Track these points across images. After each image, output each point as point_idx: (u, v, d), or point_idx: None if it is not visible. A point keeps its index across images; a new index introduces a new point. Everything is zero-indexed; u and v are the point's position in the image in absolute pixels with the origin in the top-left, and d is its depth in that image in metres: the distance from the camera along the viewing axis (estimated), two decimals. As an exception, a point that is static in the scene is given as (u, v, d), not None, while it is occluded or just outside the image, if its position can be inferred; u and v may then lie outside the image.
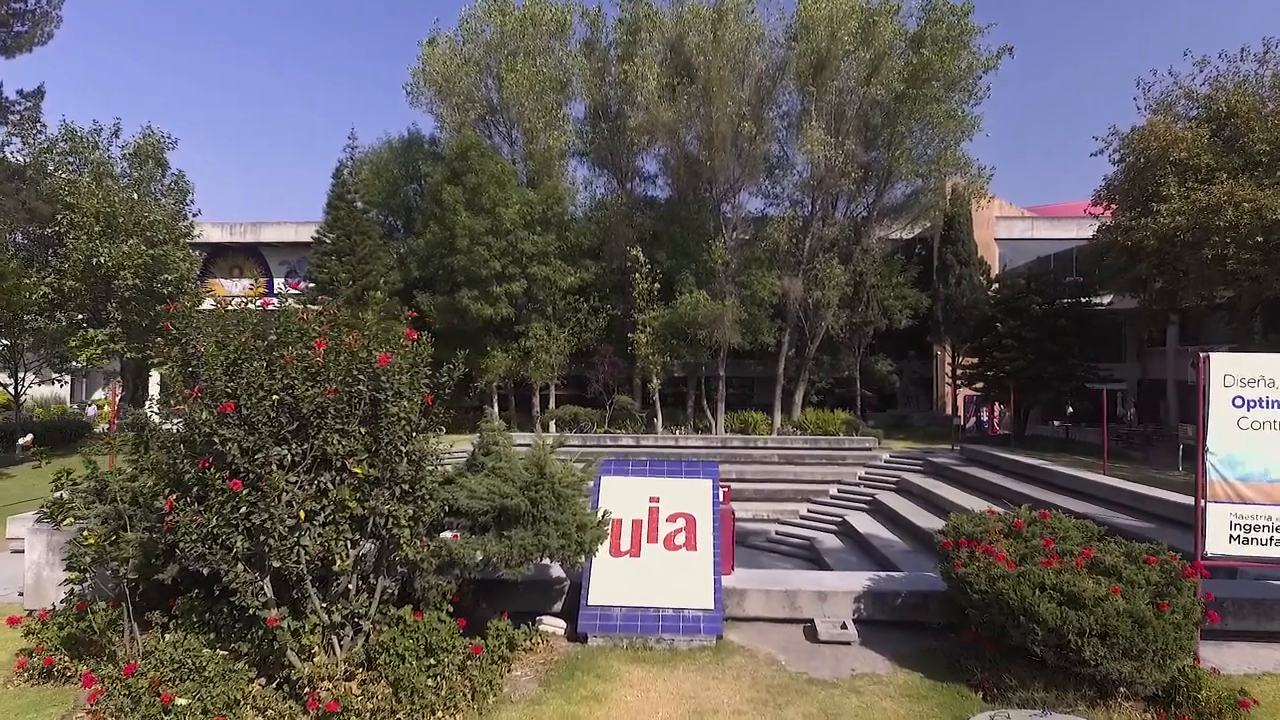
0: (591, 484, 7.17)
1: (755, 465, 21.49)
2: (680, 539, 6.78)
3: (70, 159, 18.74)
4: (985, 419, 31.82)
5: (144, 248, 17.64)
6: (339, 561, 4.69)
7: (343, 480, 4.79)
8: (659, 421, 26.98)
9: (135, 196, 19.53)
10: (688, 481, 7.24)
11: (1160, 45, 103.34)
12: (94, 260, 17.37)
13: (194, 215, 21.97)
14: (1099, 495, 13.37)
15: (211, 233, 37.80)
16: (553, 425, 27.18)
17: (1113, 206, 23.23)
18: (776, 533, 17.80)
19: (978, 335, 25.55)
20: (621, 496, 7.14)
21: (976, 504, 15.37)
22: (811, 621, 6.64)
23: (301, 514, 4.57)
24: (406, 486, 5.07)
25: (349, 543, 4.84)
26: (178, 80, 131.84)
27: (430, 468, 5.39)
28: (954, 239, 28.22)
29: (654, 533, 6.84)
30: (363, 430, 4.89)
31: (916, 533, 15.23)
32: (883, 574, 7.50)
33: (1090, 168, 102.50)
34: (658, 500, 7.05)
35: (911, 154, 26.69)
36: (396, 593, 5.28)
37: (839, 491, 19.60)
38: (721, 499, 7.32)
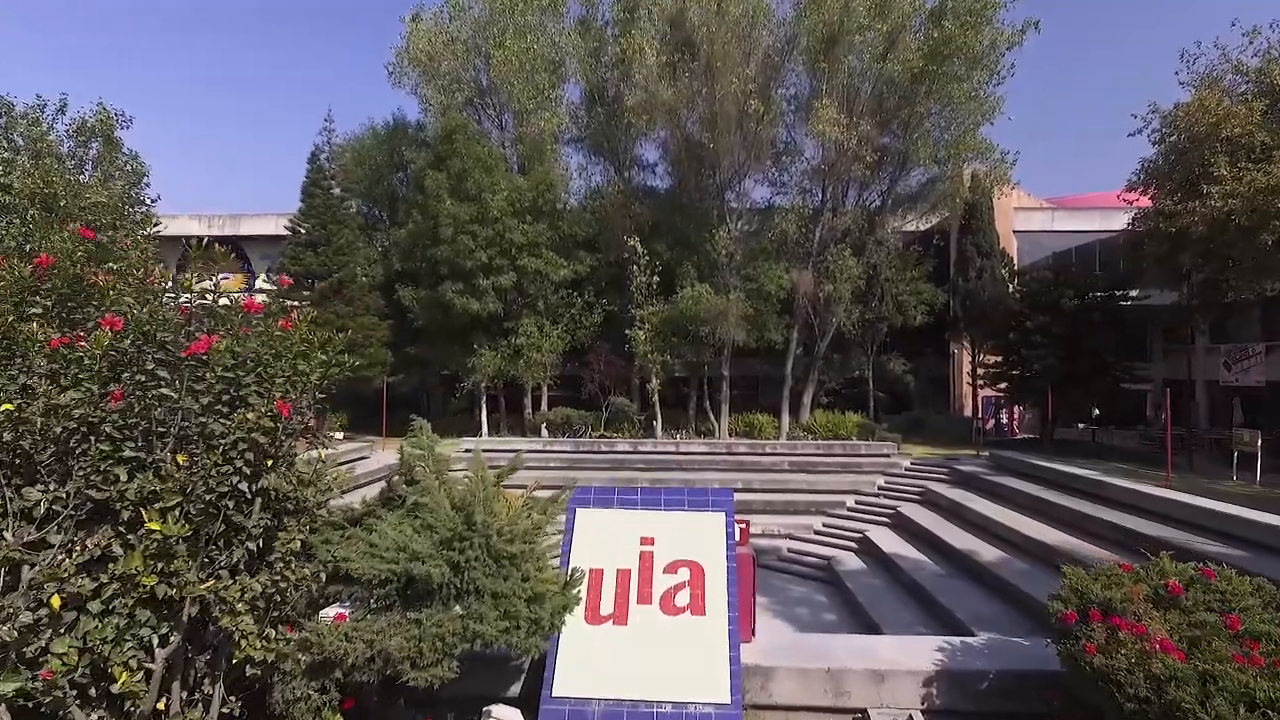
0: (565, 516, 5.35)
1: (764, 474, 19.66)
2: (683, 598, 4.94)
3: (7, 136, 16.93)
4: (1005, 421, 30.01)
5: (83, 232, 15.84)
6: (123, 677, 2.87)
7: (136, 542, 2.98)
8: (658, 425, 25.14)
9: (82, 179, 17.73)
10: (692, 515, 5.39)
11: (1184, 29, 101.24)
12: (28, 247, 15.54)
13: (151, 201, 20.12)
14: (1168, 514, 11.51)
15: (188, 225, 36.02)
16: (544, 429, 25.37)
17: (1150, 192, 21.46)
18: (789, 550, 15.97)
19: (1002, 332, 23.70)
20: (603, 537, 5.30)
21: (1017, 520, 13.55)
22: (865, 713, 4.81)
23: (55, 601, 2.75)
24: (255, 546, 3.26)
25: (152, 640, 3.02)
26: (161, 71, 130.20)
27: (305, 511, 3.55)
28: (974, 229, 26.33)
29: (646, 589, 4.99)
30: (180, 460, 3.07)
31: (949, 552, 13.40)
32: (956, 640, 5.66)
33: (1111, 158, 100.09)
34: (652, 542, 5.21)
35: (929, 137, 24.85)
36: (240, 710, 3.46)
37: (857, 503, 17.77)
38: (738, 537, 5.47)
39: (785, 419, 25.82)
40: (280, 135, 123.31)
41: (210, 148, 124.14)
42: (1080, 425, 27.68)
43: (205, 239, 6.23)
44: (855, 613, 12.33)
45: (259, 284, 36.80)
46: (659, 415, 25.18)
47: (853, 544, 15.62)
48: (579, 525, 5.36)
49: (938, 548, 13.83)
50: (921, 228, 28.97)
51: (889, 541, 14.91)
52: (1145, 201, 21.66)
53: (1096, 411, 24.93)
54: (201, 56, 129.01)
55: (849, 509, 17.55)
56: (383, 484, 4.72)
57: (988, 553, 12.64)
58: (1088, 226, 32.11)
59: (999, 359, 24.42)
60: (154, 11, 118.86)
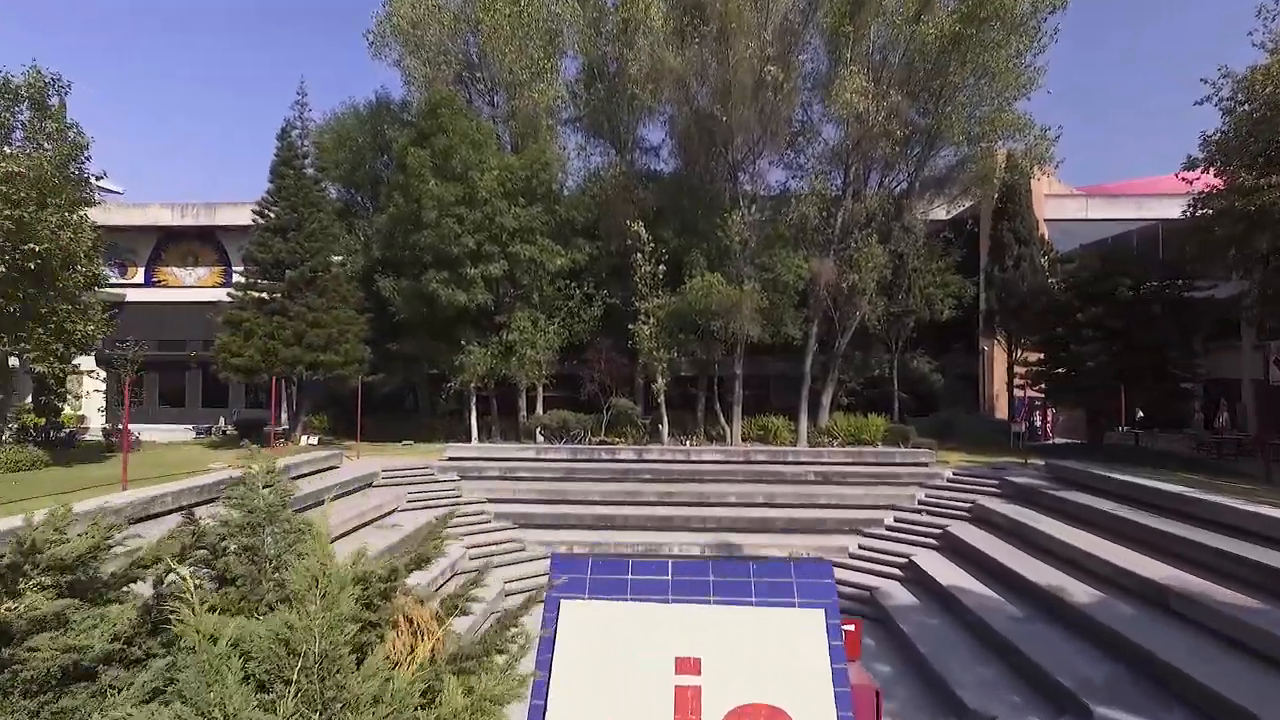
0: (543, 620, 3.08)
1: (786, 486, 17.36)
2: (760, 785, 2.63)
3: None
4: (1039, 424, 27.72)
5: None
6: None
7: None
8: (664, 429, 22.84)
9: (6, 149, 15.46)
10: (767, 615, 3.08)
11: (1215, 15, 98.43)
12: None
13: (95, 178, 17.85)
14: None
15: (160, 215, 33.82)
16: (539, 433, 23.05)
17: (1216, 169, 19.22)
18: (821, 578, 13.67)
19: (1046, 326, 21.45)
20: (608, 655, 2.97)
21: (1103, 547, 11.24)
22: None
23: None
24: None
25: None
26: (160, 69, 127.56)
27: None
28: (1011, 214, 24.05)
29: (691, 767, 2.67)
30: None
31: (1022, 587, 11.10)
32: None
33: (1142, 146, 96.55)
34: (697, 669, 2.91)
35: (963, 111, 22.57)
36: None
37: (896, 521, 15.47)
38: (843, 646, 3.16)
39: (804, 422, 23.51)
40: (248, 114, 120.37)
41: (204, 144, 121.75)
42: (1123, 429, 25.45)
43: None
44: (914, 663, 10.04)
45: (236, 277, 34.54)
46: (665, 418, 22.89)
47: (898, 571, 13.35)
48: (565, 632, 3.04)
49: (1006, 580, 11.54)
50: (950, 214, 26.76)
51: (942, 569, 12.62)
52: (1212, 180, 19.43)
53: (1140, 414, 22.69)
54: (201, 55, 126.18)
55: (888, 527, 15.26)
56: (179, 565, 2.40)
57: (1075, 589, 10.35)
58: (1124, 214, 29.85)
59: (1042, 355, 22.17)
60: (154, 11, 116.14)
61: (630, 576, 3.17)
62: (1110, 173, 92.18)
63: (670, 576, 3.16)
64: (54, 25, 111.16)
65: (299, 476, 14.95)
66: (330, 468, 16.59)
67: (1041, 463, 17.30)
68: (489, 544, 14.65)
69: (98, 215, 31.92)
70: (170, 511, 10.89)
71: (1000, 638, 9.70)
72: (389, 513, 14.66)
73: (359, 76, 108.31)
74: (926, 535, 14.50)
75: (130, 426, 25.75)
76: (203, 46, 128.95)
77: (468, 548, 14.09)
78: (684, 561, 3.22)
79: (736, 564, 3.20)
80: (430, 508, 15.65)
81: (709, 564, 3.22)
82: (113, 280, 34.75)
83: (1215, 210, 18.81)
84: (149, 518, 10.21)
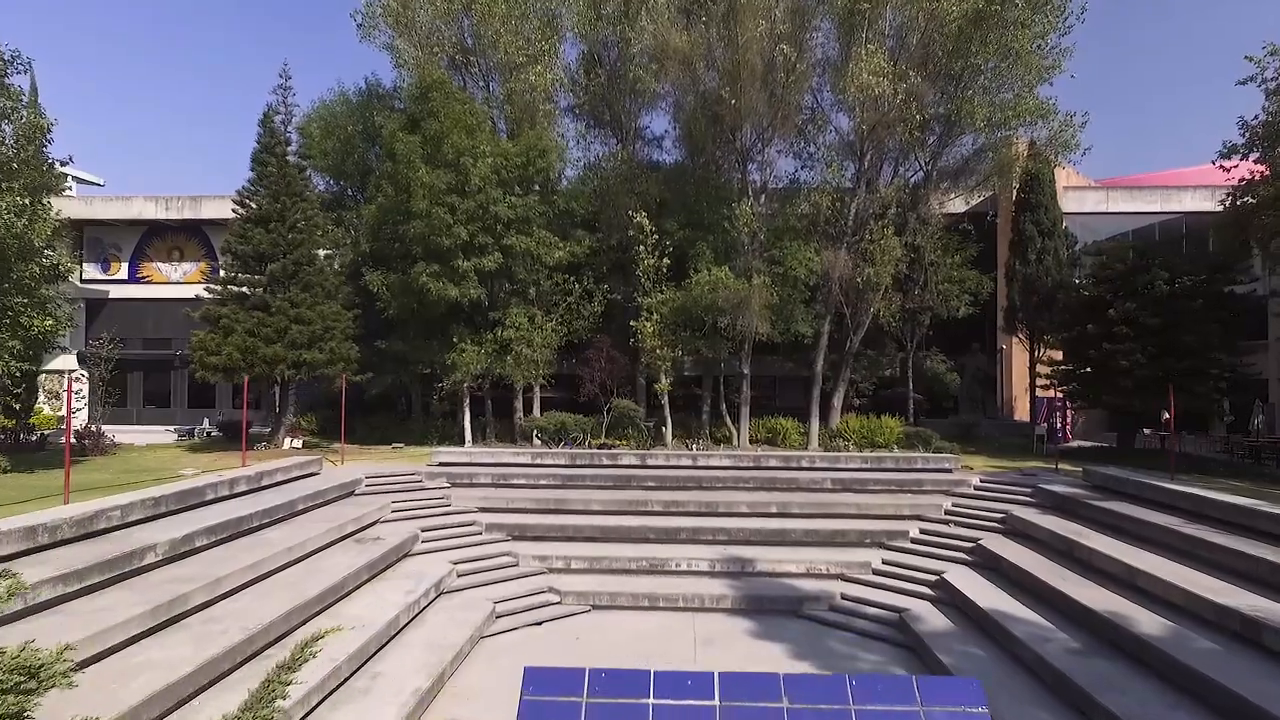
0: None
1: (802, 494, 16.08)
2: None
3: None
4: (1059, 426, 26.49)
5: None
6: None
7: None
8: (668, 431, 21.61)
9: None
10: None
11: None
12: None
13: (60, 164, 16.65)
14: None
15: (145, 208, 32.58)
16: (535, 436, 21.80)
17: (1256, 155, 18.04)
18: (844, 597, 12.43)
19: (1073, 323, 20.21)
20: None
21: (1173, 570, 9.95)
22: None
23: None
24: None
25: None
26: (162, 67, 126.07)
27: None
28: (1033, 205, 22.81)
29: None
30: None
31: (1076, 615, 9.84)
32: None
33: (1163, 139, 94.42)
34: None
35: (984, 97, 21.36)
36: None
37: (922, 533, 14.21)
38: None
39: (815, 425, 22.31)
40: (239, 108, 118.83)
41: (198, 140, 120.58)
42: (1146, 431, 24.27)
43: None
44: (959, 704, 8.78)
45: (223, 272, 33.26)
46: (669, 421, 21.65)
47: (928, 590, 12.08)
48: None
49: (1055, 605, 10.28)
50: (967, 204, 25.58)
51: (979, 590, 11.36)
52: (1254, 167, 18.24)
53: (1166, 415, 21.52)
54: (201, 55, 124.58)
55: (913, 540, 13.99)
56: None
57: (1141, 618, 9.10)
58: (1148, 207, 28.64)
59: (1066, 354, 20.95)
60: (153, 8, 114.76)
61: (652, 701, 1.91)
62: (1126, 165, 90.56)
63: (718, 702, 1.90)
64: (49, 22, 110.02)
65: (273, 485, 13.73)
66: (309, 474, 15.33)
67: (1078, 469, 16.06)
68: (478, 559, 13.39)
69: (78, 208, 31.07)
70: (118, 527, 9.68)
71: (1060, 675, 8.45)
72: (370, 524, 13.41)
73: (355, 75, 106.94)
74: (957, 549, 13.24)
75: (109, 428, 24.61)
76: (198, 44, 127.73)
77: (455, 563, 12.83)
78: (738, 675, 1.96)
79: (826, 683, 1.95)
80: (416, 518, 14.42)
81: (778, 679, 1.97)
82: (95, 276, 33.70)
83: (1258, 199, 17.63)
84: (87, 536, 8.97)
